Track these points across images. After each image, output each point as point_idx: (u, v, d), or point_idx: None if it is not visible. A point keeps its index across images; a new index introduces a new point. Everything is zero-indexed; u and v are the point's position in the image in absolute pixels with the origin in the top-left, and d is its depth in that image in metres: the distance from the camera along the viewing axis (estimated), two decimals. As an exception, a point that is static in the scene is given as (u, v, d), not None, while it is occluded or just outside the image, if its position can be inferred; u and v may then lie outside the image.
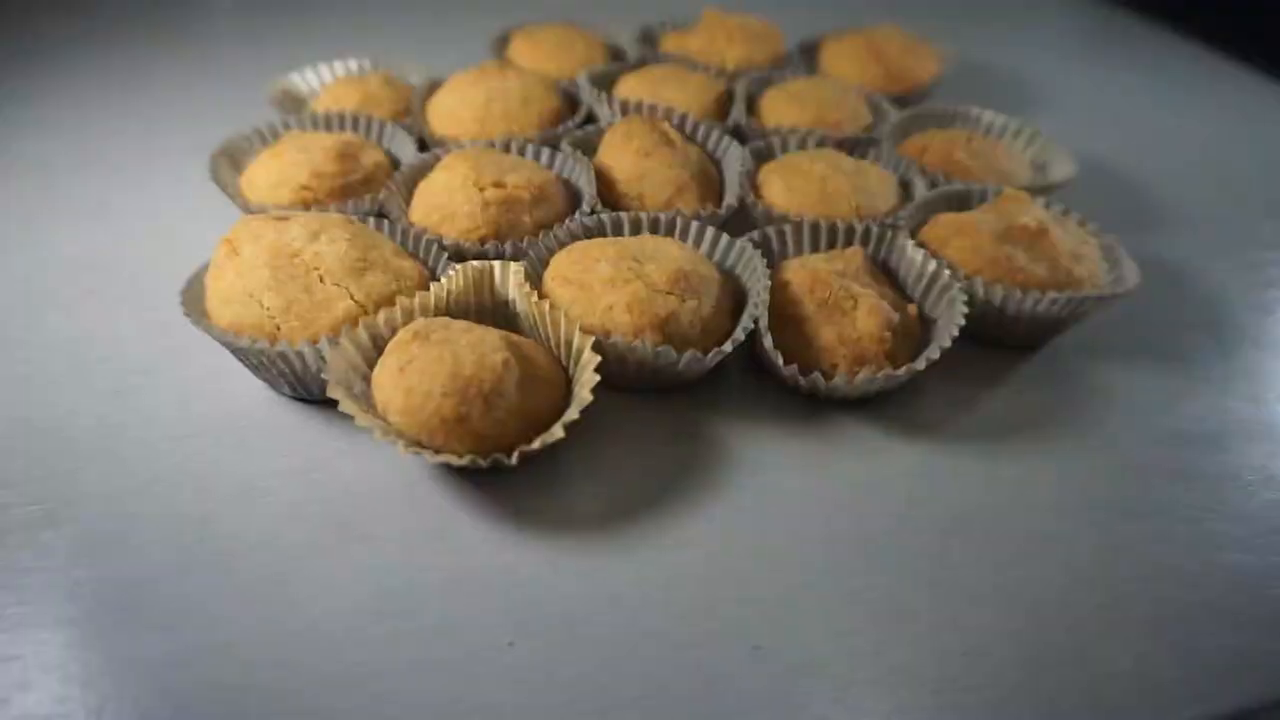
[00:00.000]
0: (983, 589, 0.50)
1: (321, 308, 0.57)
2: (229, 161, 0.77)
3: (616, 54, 1.04)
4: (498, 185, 0.68)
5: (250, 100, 0.94)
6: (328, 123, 0.82)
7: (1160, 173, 0.97)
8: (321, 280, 0.58)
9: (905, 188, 0.78)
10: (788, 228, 0.69)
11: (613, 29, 1.08)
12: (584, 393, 0.54)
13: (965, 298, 0.62)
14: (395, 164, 0.79)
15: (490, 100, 0.82)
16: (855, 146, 0.82)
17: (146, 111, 0.99)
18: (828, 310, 0.61)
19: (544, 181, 0.70)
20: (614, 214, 0.68)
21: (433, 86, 0.89)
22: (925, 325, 0.65)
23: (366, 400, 0.55)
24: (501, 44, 1.03)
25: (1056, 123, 1.06)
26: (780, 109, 0.87)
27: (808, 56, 1.06)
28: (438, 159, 0.76)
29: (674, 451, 0.58)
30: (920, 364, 0.58)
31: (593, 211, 0.71)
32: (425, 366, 0.52)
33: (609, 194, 0.75)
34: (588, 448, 0.58)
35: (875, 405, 0.62)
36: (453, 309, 0.61)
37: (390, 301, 0.59)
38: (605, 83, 0.93)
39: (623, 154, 0.76)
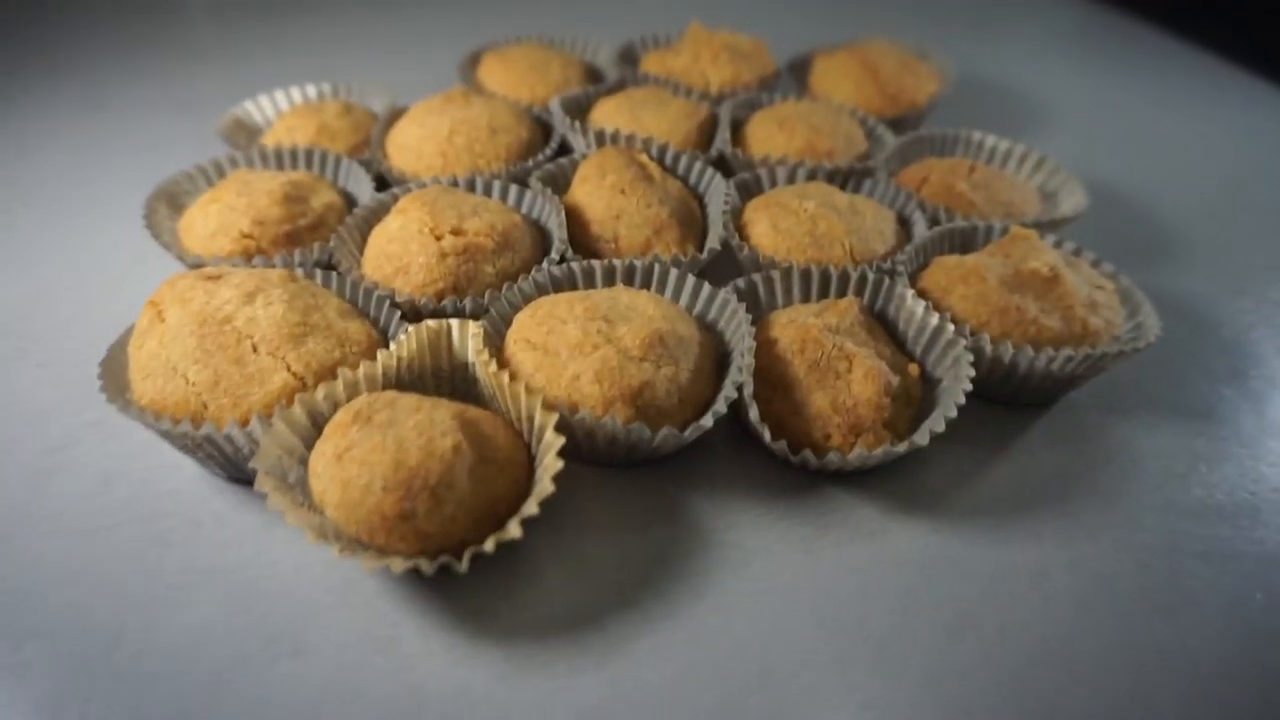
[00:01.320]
0: (994, 699, 0.45)
1: (254, 381, 0.52)
2: (168, 204, 0.71)
3: (595, 75, 0.98)
4: (457, 232, 0.63)
5: (209, 132, 0.89)
6: (278, 159, 0.76)
7: (1176, 196, 0.92)
8: (255, 350, 0.52)
9: (904, 224, 0.73)
10: (775, 274, 0.64)
11: (592, 46, 1.03)
12: (546, 482, 0.48)
13: (971, 357, 0.57)
14: (351, 204, 0.73)
15: (454, 132, 0.76)
16: (849, 178, 0.77)
17: (93, 143, 0.93)
18: (819, 373, 0.56)
19: (508, 226, 0.65)
20: (585, 263, 0.63)
21: (394, 115, 0.83)
22: (928, 384, 0.59)
23: (303, 489, 0.50)
24: (472, 65, 0.97)
25: (1062, 141, 1.01)
26: (768, 136, 0.81)
27: (798, 75, 1.00)
28: (396, 199, 0.70)
29: (650, 538, 0.53)
30: (923, 438, 0.52)
31: (561, 259, 0.66)
32: (365, 455, 0.47)
33: (582, 235, 0.69)
34: (551, 534, 0.52)
35: (873, 477, 0.57)
36: (405, 377, 0.56)
37: (333, 372, 0.53)
38: (580, 108, 0.88)
39: (597, 190, 0.71)
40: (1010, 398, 0.62)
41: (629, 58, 1.01)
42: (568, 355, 0.53)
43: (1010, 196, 0.75)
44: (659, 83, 0.92)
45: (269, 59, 1.14)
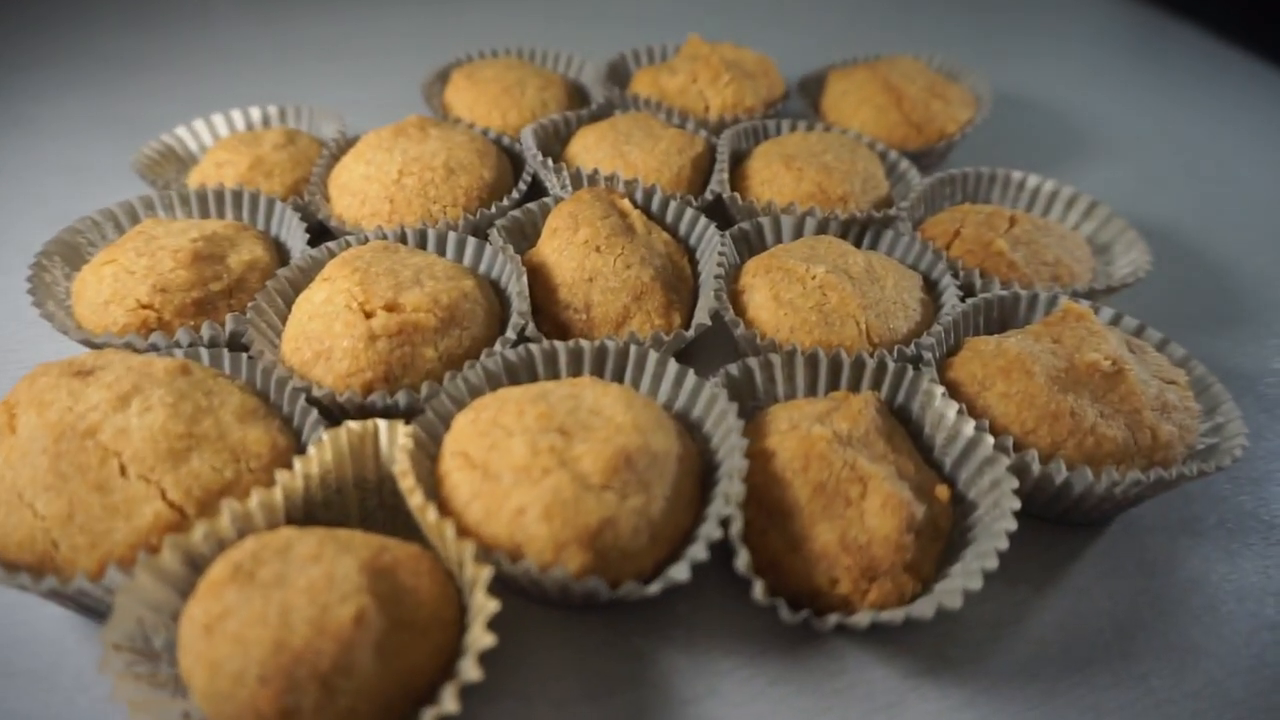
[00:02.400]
0: None
1: (118, 514, 0.42)
2: (66, 259, 0.61)
3: (578, 95, 0.88)
4: (391, 308, 0.53)
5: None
6: (200, 203, 0.66)
7: (1252, 244, 0.80)
8: (123, 472, 0.43)
9: (931, 289, 0.62)
10: (776, 360, 0.54)
11: (577, 61, 0.92)
12: (479, 631, 0.39)
13: (1015, 482, 0.46)
14: (282, 260, 0.64)
15: (404, 173, 0.66)
16: (866, 229, 0.66)
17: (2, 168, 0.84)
18: (826, 498, 0.45)
19: (456, 298, 0.55)
20: (547, 346, 0.53)
21: (343, 147, 0.73)
22: (960, 507, 0.49)
23: (172, 656, 0.40)
24: (439, 85, 0.87)
25: (1113, 175, 0.90)
26: (772, 176, 0.71)
27: (810, 95, 0.90)
28: (332, 255, 0.61)
29: (609, 708, 0.43)
30: (954, 600, 0.42)
31: (520, 337, 0.56)
32: (241, 629, 0.37)
33: (548, 301, 0.59)
34: (486, 703, 0.43)
35: (890, 628, 0.47)
36: (317, 496, 0.46)
37: (222, 497, 0.44)
38: (558, 138, 0.78)
39: (568, 246, 0.61)
40: (1060, 517, 0.52)
41: (618, 76, 0.91)
42: (512, 481, 0.43)
43: (1058, 254, 0.64)
44: (650, 107, 0.81)
45: (219, 74, 1.04)
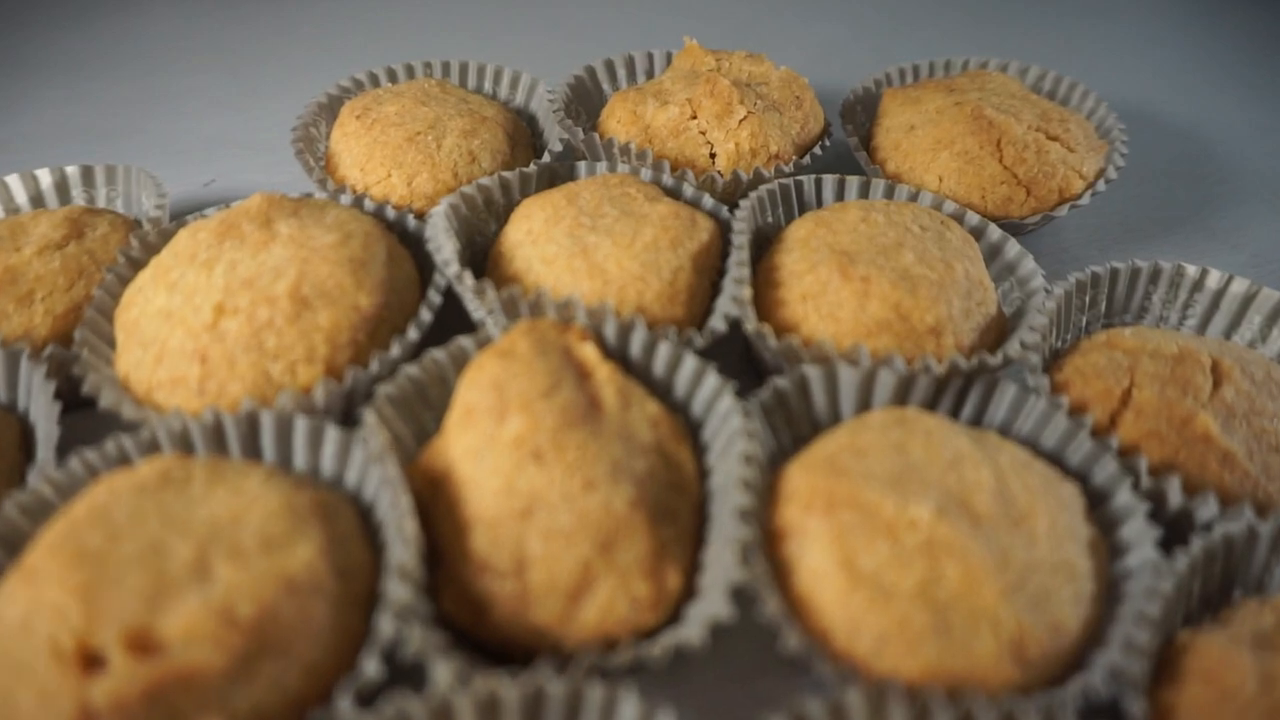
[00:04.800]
0: None
1: None
2: None
3: (524, 138, 0.62)
4: (138, 644, 0.29)
5: None
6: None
7: None
8: None
9: (1093, 502, 0.38)
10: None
11: (526, 82, 0.66)
12: None
13: None
14: (18, 473, 0.40)
15: (223, 310, 0.41)
16: (972, 385, 0.42)
17: None
18: None
19: (270, 605, 0.30)
20: (436, 705, 0.29)
21: (151, 243, 0.48)
22: None
23: None
24: (325, 121, 0.62)
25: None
26: (821, 288, 0.45)
27: (858, 126, 0.64)
28: (63, 489, 0.37)
29: None
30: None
31: (389, 661, 0.32)
32: None
33: (456, 557, 0.36)
34: None
35: None
36: None
37: None
38: (491, 217, 0.53)
39: (489, 448, 0.37)
40: None
41: (585, 101, 0.65)
42: None
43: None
44: (628, 158, 0.56)
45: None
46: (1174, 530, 0.39)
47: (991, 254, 0.52)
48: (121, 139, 0.71)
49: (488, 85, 0.67)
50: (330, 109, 0.62)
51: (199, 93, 0.78)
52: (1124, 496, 0.37)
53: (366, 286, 0.44)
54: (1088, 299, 0.49)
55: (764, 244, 0.53)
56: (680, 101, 0.59)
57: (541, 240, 0.49)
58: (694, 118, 0.58)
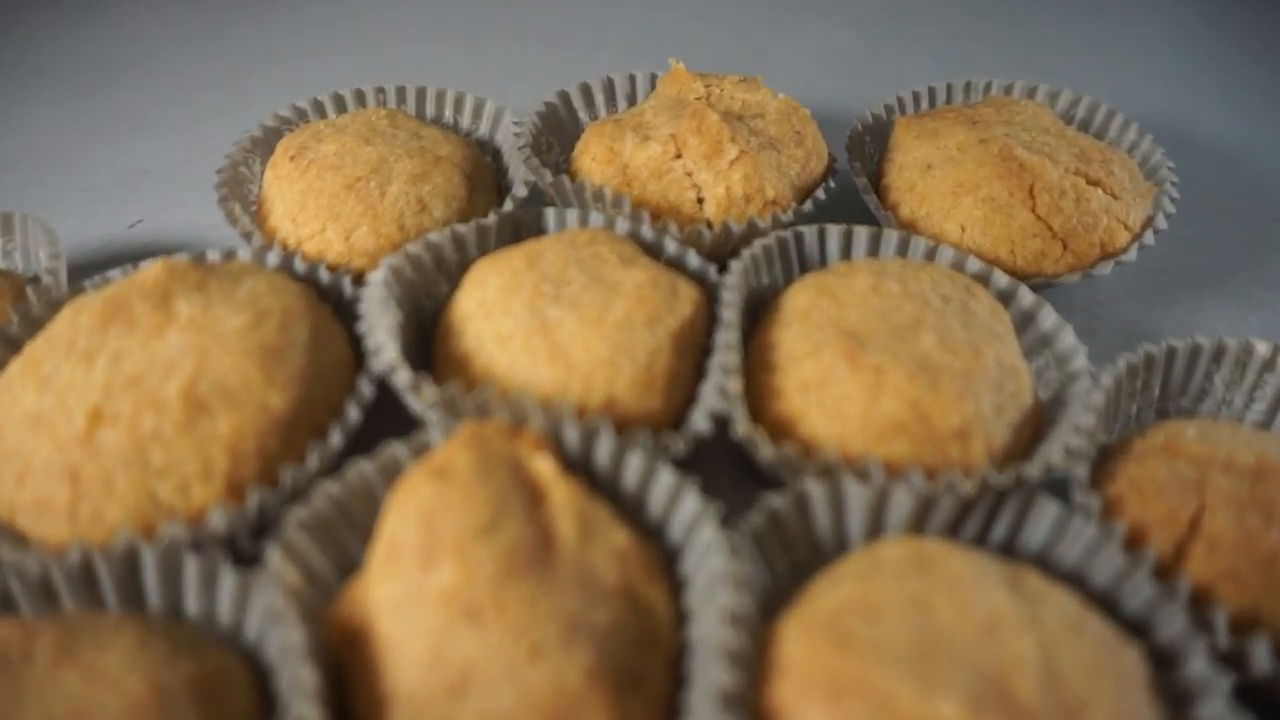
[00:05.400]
0: None
1: None
2: None
3: (486, 179, 0.54)
4: None
5: None
6: None
7: None
8: None
9: (1160, 665, 0.31)
10: None
11: (491, 109, 0.59)
12: None
13: None
14: None
15: (103, 414, 0.34)
16: (1002, 507, 0.35)
17: None
18: None
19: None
20: None
21: (36, 317, 0.41)
22: None
23: None
24: (258, 159, 0.55)
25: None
26: (824, 377, 0.38)
27: (866, 162, 0.57)
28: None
29: None
30: None
31: None
32: None
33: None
34: None
35: None
36: None
37: None
38: (437, 281, 0.46)
39: (413, 603, 0.30)
40: None
41: (557, 131, 0.58)
42: None
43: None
44: (602, 206, 0.49)
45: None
46: (1262, 703, 0.32)
47: (1023, 322, 0.45)
48: (32, 171, 0.63)
49: (448, 113, 0.59)
50: (266, 144, 0.55)
51: (124, 116, 0.70)
52: (1199, 664, 0.30)
53: (279, 380, 0.37)
54: (1139, 383, 0.42)
55: (759, 307, 0.46)
56: (663, 138, 0.51)
57: (496, 313, 0.42)
58: (679, 157, 0.51)
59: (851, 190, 0.55)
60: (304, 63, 0.78)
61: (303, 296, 0.41)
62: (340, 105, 0.58)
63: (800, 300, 0.43)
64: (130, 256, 0.55)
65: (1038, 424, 0.40)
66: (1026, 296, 0.45)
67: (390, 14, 0.87)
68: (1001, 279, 0.46)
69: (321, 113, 0.58)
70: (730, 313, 0.42)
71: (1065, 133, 0.52)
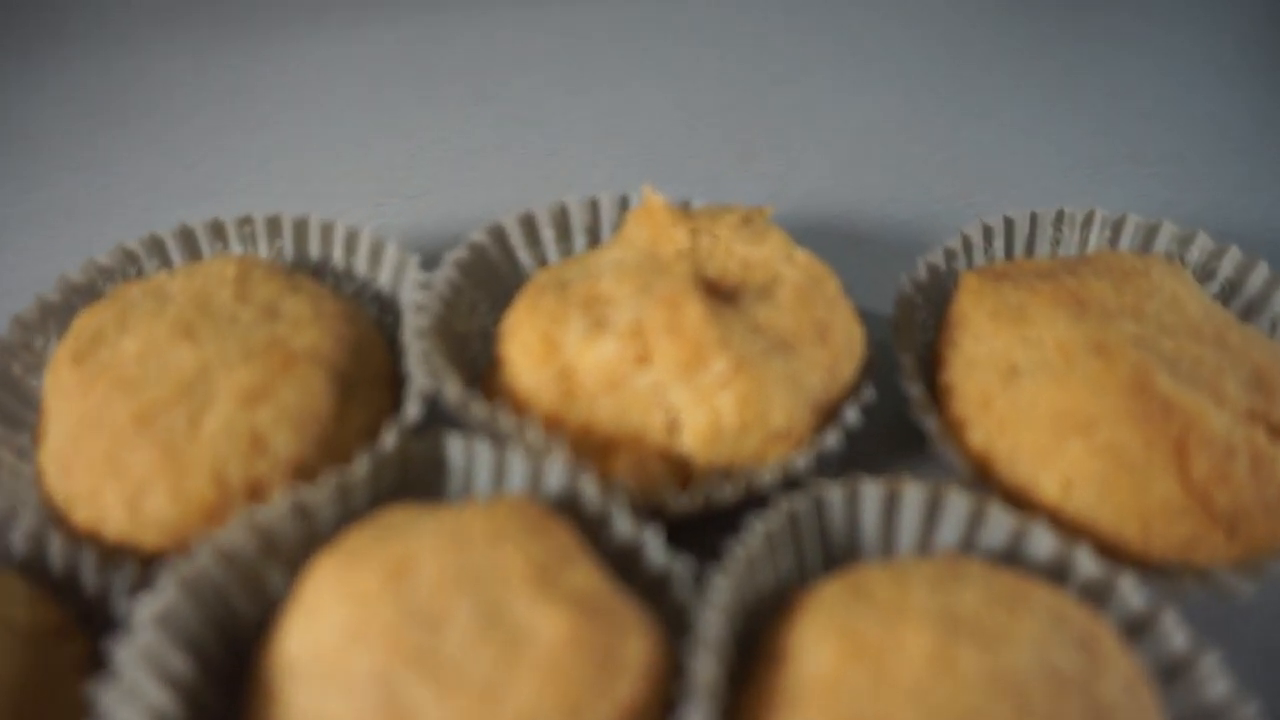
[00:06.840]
0: None
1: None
2: None
3: (378, 367, 0.37)
4: None
5: None
6: None
7: None
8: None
9: None
10: None
11: (398, 256, 0.42)
12: None
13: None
14: None
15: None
16: None
17: None
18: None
19: None
20: None
21: None
22: None
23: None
24: (55, 331, 0.39)
25: None
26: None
27: (918, 355, 0.40)
28: None
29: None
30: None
31: None
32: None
33: None
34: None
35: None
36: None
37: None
38: (260, 582, 0.30)
39: None
40: None
41: (488, 282, 0.42)
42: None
43: None
44: (523, 444, 0.33)
45: None
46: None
47: (1168, 675, 0.29)
48: None
49: (337, 254, 0.43)
50: (67, 311, 0.39)
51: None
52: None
53: None
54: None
55: (756, 621, 0.30)
56: (623, 329, 0.35)
57: (331, 675, 0.27)
58: (645, 362, 0.35)
59: (895, 422, 0.38)
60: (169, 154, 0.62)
61: (28, 645, 0.26)
62: (189, 244, 0.42)
63: (821, 659, 0.27)
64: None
65: None
66: (1177, 635, 0.28)
67: (292, 100, 0.70)
68: (1134, 595, 0.29)
69: (162, 255, 0.42)
70: (708, 668, 0.26)
71: (1225, 335, 0.35)
